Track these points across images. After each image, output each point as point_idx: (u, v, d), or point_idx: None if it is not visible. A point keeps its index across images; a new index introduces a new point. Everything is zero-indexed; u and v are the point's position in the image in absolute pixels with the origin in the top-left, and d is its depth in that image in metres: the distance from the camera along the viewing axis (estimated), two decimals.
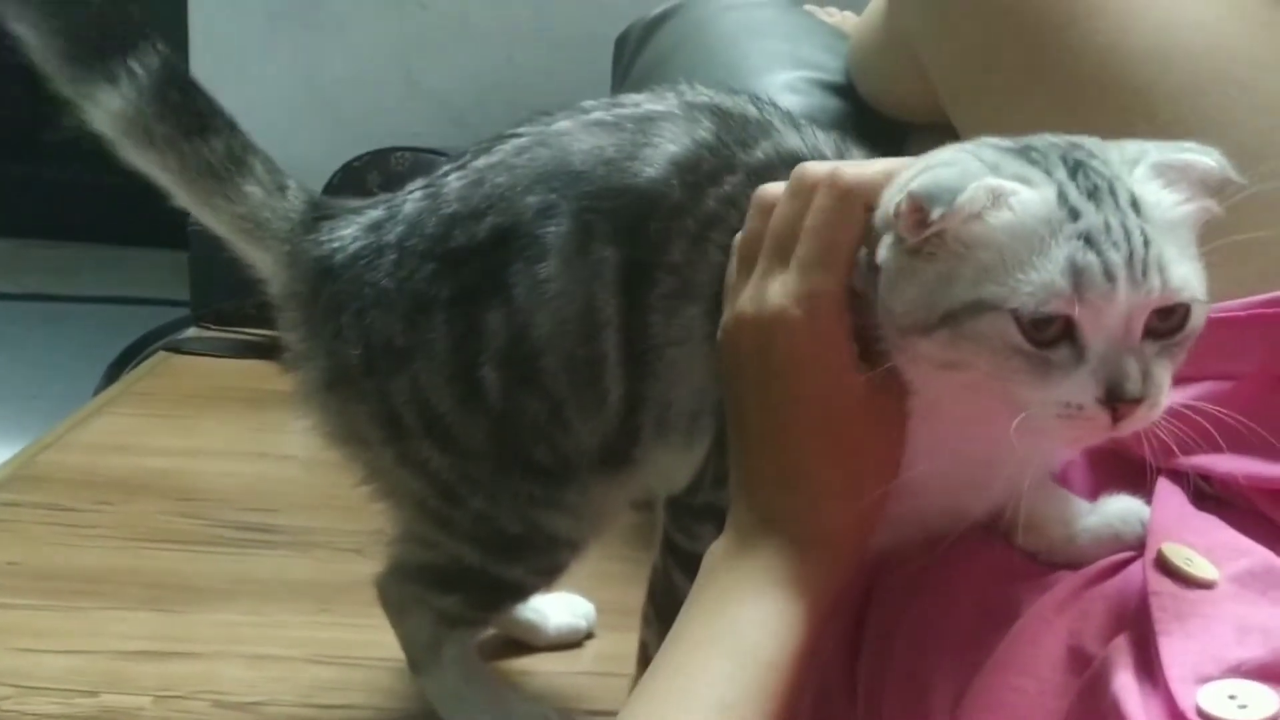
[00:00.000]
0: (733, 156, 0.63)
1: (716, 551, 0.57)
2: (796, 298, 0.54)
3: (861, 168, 0.55)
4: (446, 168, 0.70)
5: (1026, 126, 0.61)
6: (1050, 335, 0.48)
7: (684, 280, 0.63)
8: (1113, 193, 0.50)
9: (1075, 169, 0.50)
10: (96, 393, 1.56)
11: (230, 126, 0.75)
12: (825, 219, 0.54)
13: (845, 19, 1.40)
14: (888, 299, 0.52)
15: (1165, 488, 0.62)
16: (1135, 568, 0.58)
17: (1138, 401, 0.49)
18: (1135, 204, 0.50)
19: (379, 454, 0.72)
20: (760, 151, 0.64)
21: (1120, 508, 0.61)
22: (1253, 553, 0.54)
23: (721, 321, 0.58)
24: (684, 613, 0.56)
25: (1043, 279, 0.47)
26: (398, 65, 1.85)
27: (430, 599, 0.76)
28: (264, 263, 0.74)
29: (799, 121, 0.67)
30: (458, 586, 0.75)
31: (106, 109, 0.72)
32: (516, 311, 0.65)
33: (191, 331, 1.76)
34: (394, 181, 1.65)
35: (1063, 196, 0.49)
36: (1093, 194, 0.49)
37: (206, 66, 1.87)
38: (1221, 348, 0.57)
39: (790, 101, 1.15)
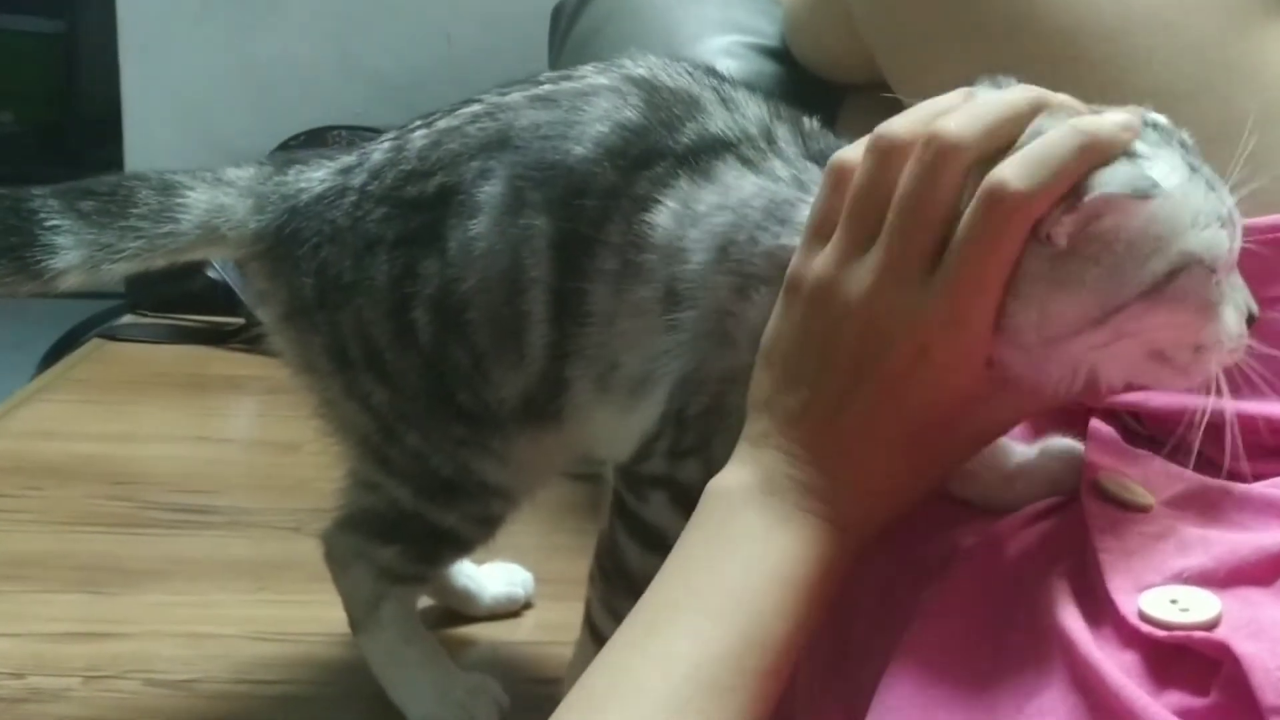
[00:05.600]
0: (660, 141, 0.64)
1: (735, 494, 0.53)
2: (950, 318, 0.49)
3: (1024, 180, 0.47)
4: (416, 123, 0.73)
5: (957, 73, 0.60)
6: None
7: (626, 261, 0.63)
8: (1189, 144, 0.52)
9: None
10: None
11: (137, 176, 0.74)
12: (988, 241, 0.47)
13: None
14: (1028, 314, 0.49)
15: (1098, 426, 0.62)
16: (1072, 507, 0.58)
17: (1255, 316, 0.52)
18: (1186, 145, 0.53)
19: (329, 384, 0.74)
20: (685, 136, 0.64)
21: (1059, 452, 0.61)
22: (1187, 478, 0.54)
23: (804, 275, 0.53)
24: (688, 557, 0.52)
25: (1214, 235, 0.49)
26: (333, 43, 1.82)
27: (371, 551, 0.77)
28: (240, 235, 0.74)
29: (730, 95, 0.67)
30: (397, 535, 0.76)
31: (68, 270, 0.70)
32: (449, 264, 0.68)
33: (128, 318, 1.72)
34: None
35: (1188, 163, 0.50)
36: (1188, 148, 0.52)
37: (137, 48, 1.84)
38: None
39: (726, 67, 1.14)
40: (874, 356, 0.50)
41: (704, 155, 0.63)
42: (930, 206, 0.49)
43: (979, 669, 0.50)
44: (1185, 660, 0.44)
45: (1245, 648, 0.41)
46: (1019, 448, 0.62)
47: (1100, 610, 0.47)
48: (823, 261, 0.52)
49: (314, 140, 1.66)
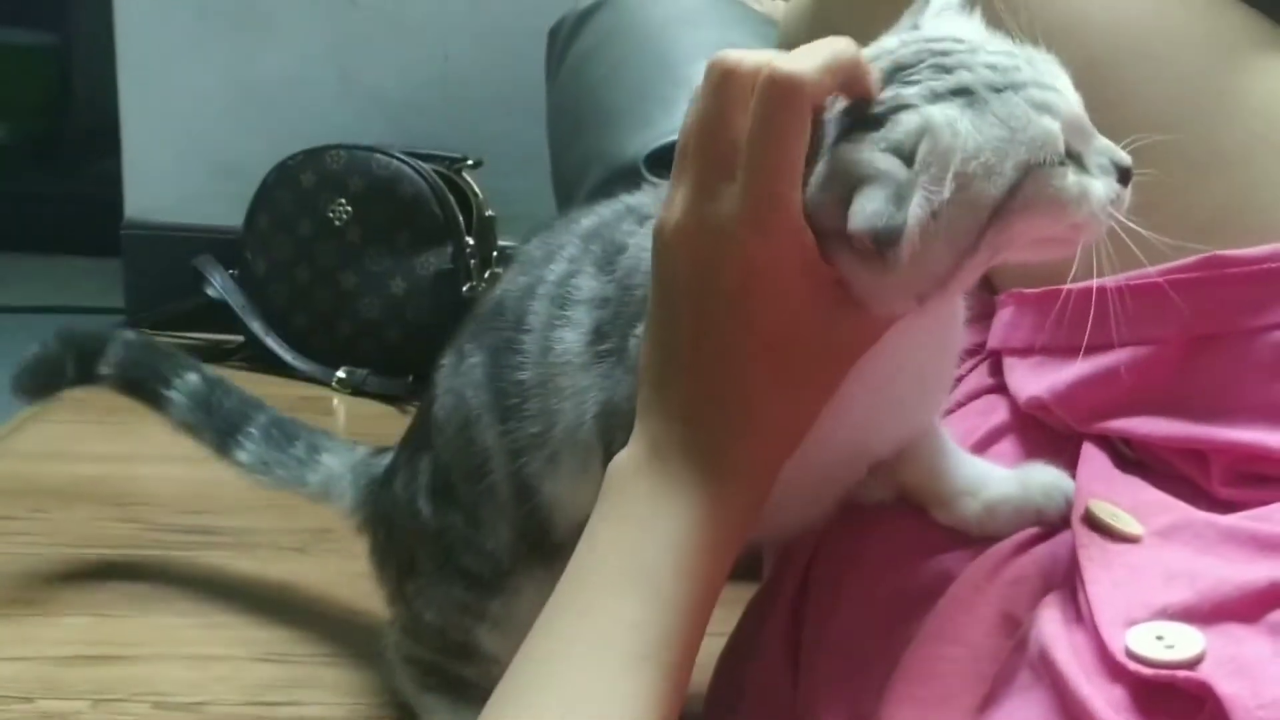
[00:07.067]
0: (565, 237, 0.68)
1: (627, 468, 0.54)
2: (752, 218, 0.49)
3: (797, 64, 0.49)
4: None
5: None
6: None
7: (550, 324, 0.64)
8: (959, 52, 0.51)
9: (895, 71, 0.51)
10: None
11: (307, 429, 0.91)
12: (776, 128, 0.48)
13: (776, 7, 1.41)
14: (918, 267, 0.48)
15: (1090, 450, 0.63)
16: (1062, 535, 0.59)
17: (1130, 168, 0.52)
18: (960, 41, 0.52)
19: (393, 594, 0.80)
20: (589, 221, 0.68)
21: (1043, 481, 0.62)
22: (1175, 508, 0.55)
23: (654, 226, 0.54)
24: (590, 541, 0.53)
25: (1037, 130, 0.49)
26: (331, 63, 1.83)
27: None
28: (342, 506, 0.86)
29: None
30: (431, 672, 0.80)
31: (239, 465, 0.90)
32: (436, 452, 0.73)
33: None
34: (329, 180, 1.66)
35: (962, 89, 0.50)
36: (946, 69, 0.50)
37: (135, 65, 1.85)
38: (1142, 313, 0.58)
39: None
40: (707, 283, 0.51)
41: (609, 228, 0.66)
42: (715, 123, 0.50)
43: (973, 698, 0.51)
44: (1171, 697, 0.45)
45: (1227, 688, 0.42)
46: (999, 473, 0.63)
47: (1087, 640, 0.48)
48: (660, 207, 0.54)
49: (311, 160, 1.66)
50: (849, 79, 0.50)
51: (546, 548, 0.68)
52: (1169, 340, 0.61)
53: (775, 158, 0.49)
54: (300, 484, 0.89)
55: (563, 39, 1.38)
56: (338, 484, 0.87)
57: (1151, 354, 0.61)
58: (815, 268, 0.50)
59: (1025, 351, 0.70)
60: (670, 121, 1.14)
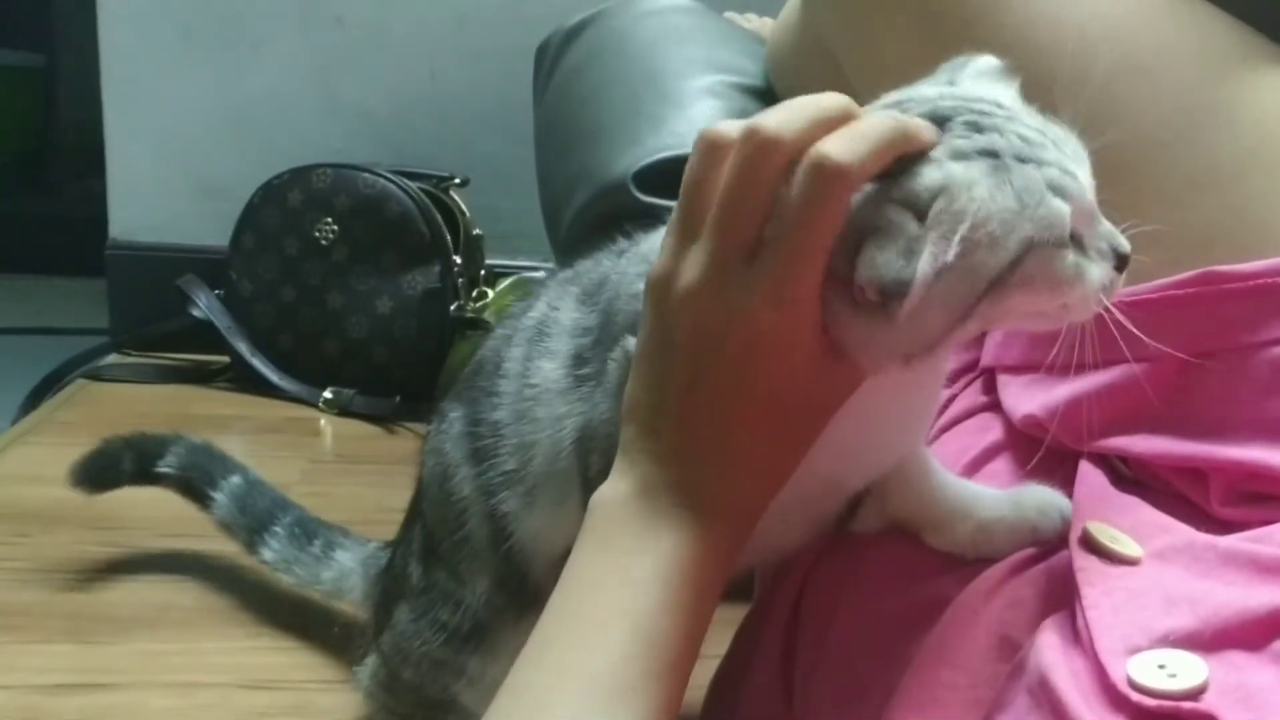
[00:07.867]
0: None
1: (612, 502, 0.54)
2: (772, 297, 0.50)
3: (846, 152, 0.48)
4: None
5: None
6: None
7: (529, 356, 0.65)
8: (996, 115, 0.51)
9: (944, 121, 0.51)
10: (14, 424, 1.51)
11: (326, 527, 0.96)
12: (816, 216, 0.48)
13: (764, 24, 1.42)
14: (912, 329, 0.49)
15: (1086, 469, 0.62)
16: (1059, 556, 0.58)
17: (1127, 255, 0.52)
18: (1001, 106, 0.52)
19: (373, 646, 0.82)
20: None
21: (1038, 501, 0.61)
22: (1174, 529, 0.54)
23: (653, 277, 0.54)
24: (576, 573, 0.53)
25: (1047, 210, 0.49)
26: (317, 81, 1.82)
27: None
28: (353, 601, 0.90)
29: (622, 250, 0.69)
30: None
31: (266, 560, 0.96)
32: (423, 513, 0.74)
33: (112, 358, 1.72)
34: (315, 199, 1.65)
35: (990, 152, 0.50)
36: (980, 128, 0.50)
37: (119, 84, 1.84)
38: (1138, 329, 0.58)
39: (710, 105, 1.16)
40: (711, 345, 0.51)
41: (588, 272, 0.67)
42: (749, 196, 0.50)
43: None
44: None
45: (1232, 718, 0.42)
46: (991, 494, 0.63)
47: (1088, 668, 0.48)
48: (660, 260, 0.54)
49: (298, 178, 1.65)
50: (892, 157, 0.49)
51: (524, 595, 0.67)
52: (1165, 357, 0.60)
53: (809, 243, 0.49)
54: (316, 582, 0.93)
55: (550, 56, 1.38)
56: (349, 579, 0.91)
57: (1147, 371, 0.61)
58: (817, 333, 0.51)
59: (1019, 369, 0.70)
60: (659, 139, 1.14)
